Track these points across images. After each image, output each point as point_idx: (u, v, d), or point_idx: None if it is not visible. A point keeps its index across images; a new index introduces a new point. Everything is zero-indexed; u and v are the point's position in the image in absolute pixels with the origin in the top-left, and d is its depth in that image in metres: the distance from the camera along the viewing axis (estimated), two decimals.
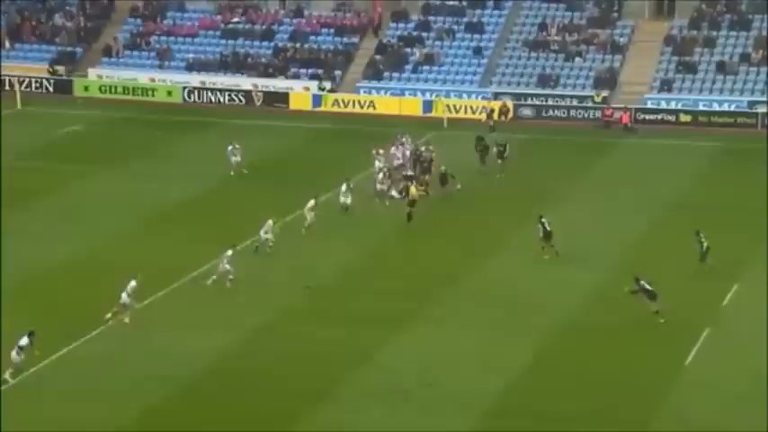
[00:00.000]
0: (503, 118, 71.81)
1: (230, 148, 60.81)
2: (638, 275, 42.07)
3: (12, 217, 51.86)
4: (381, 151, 58.00)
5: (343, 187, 54.13)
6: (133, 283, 42.32)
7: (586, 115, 72.71)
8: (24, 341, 37.90)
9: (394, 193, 54.73)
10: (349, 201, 53.81)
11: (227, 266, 45.09)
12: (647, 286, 41.84)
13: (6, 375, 37.55)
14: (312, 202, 51.59)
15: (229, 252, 45.47)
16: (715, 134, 68.71)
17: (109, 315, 41.82)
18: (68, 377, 38.71)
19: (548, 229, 47.36)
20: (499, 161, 59.57)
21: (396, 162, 58.50)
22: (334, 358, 39.10)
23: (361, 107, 74.73)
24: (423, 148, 59.71)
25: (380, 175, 55.35)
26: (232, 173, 60.02)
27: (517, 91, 74.58)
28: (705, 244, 46.61)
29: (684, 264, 48.53)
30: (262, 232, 48.77)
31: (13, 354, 37.75)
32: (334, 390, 37.40)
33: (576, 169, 61.42)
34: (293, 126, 71.09)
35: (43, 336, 40.71)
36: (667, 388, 38.12)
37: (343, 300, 44.22)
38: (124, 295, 42.01)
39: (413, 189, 52.74)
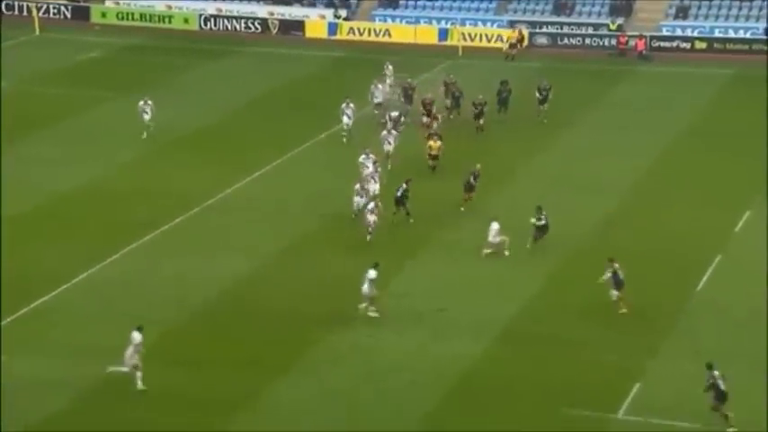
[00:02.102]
0: (518, 46, 71.33)
1: (141, 103, 54.43)
2: (613, 258, 38.51)
3: (30, 141, 51.94)
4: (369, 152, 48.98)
5: (344, 105, 53.86)
6: None
7: (601, 43, 72.22)
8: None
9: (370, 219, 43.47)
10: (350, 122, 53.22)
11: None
12: (619, 272, 37.97)
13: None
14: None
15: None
16: (730, 61, 68.21)
17: None
18: (88, 301, 39.04)
19: (544, 222, 41.93)
20: (541, 107, 56.74)
21: (375, 100, 56.67)
22: (350, 284, 39.26)
23: (377, 35, 74.29)
24: (451, 77, 58.17)
25: (357, 186, 45.68)
26: (145, 135, 53.79)
27: (532, 19, 74.09)
28: (543, 222, 42.11)
29: (696, 189, 48.49)
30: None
31: None
32: (349, 314, 37.59)
33: (591, 97, 61.12)
34: (309, 54, 70.82)
35: (64, 259, 41.14)
36: (679, 312, 38.25)
37: (359, 228, 44.27)
38: None
39: (432, 143, 49.58)
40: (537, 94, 57.00)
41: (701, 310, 38.62)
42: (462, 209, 45.67)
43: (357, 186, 45.00)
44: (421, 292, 39.43)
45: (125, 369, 33.64)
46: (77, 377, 34.25)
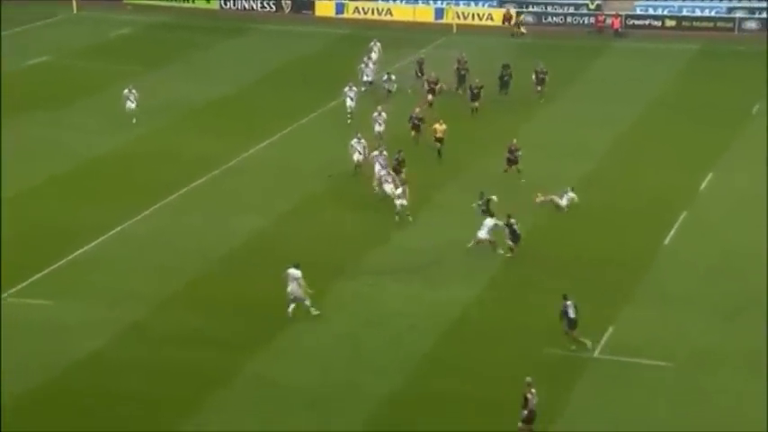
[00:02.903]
0: (506, 24, 71.05)
1: (126, 91, 51.70)
2: (511, 215, 38.38)
3: (69, 110, 51.93)
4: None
5: (385, 77, 54.15)
6: None
7: (581, 21, 71.89)
8: None
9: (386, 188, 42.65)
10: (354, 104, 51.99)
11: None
12: (516, 227, 38.03)
13: None
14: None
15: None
16: (697, 38, 67.95)
17: None
18: (122, 252, 39.18)
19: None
20: (539, 88, 55.22)
21: (366, 77, 55.45)
22: (356, 239, 39.36)
23: (379, 14, 74.02)
24: (463, 56, 56.61)
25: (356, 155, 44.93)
26: (134, 120, 51.17)
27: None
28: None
29: (665, 153, 48.51)
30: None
31: None
32: (355, 266, 37.72)
33: (572, 71, 60.94)
34: (318, 31, 70.56)
35: (100, 215, 41.24)
36: (648, 264, 38.36)
37: (364, 186, 44.27)
38: None
39: (438, 126, 47.13)
40: (534, 77, 55.64)
41: (667, 261, 38.73)
42: (523, 180, 43.90)
43: (356, 156, 43.86)
44: (418, 246, 39.52)
45: (306, 302, 34.11)
46: (112, 319, 34.48)
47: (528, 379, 28.64)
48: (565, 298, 32.75)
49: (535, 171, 44.26)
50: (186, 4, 76.34)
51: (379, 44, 59.94)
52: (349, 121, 50.96)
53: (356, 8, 74.35)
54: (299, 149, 49.11)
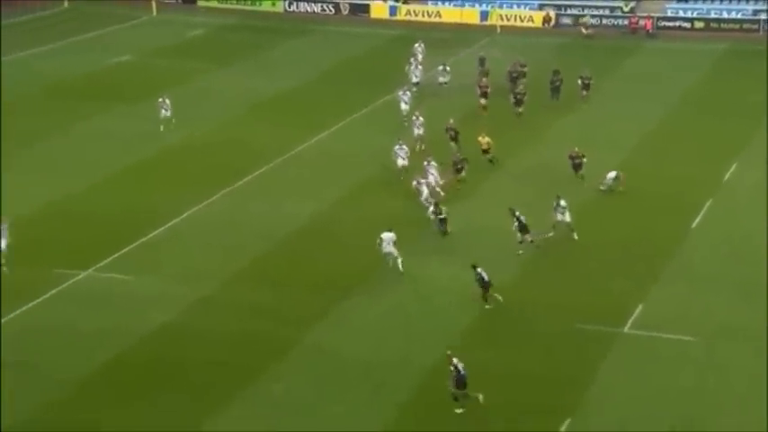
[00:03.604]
0: (546, 25, 70.29)
1: (160, 100, 49.64)
2: (514, 208, 37.34)
3: (147, 104, 52.18)
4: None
5: (441, 67, 53.26)
6: None
7: (616, 23, 70.90)
8: None
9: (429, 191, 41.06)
10: (446, 79, 53.05)
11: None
12: (522, 219, 36.92)
13: None
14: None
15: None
16: (724, 38, 66.75)
17: None
18: (192, 233, 39.33)
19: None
20: (584, 92, 53.10)
21: (414, 79, 54.00)
22: (403, 222, 39.15)
23: (429, 16, 73.58)
24: (521, 61, 55.13)
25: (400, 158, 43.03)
26: (162, 128, 49.08)
27: (558, 2, 72.82)
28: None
29: (693, 145, 47.75)
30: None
31: None
32: (402, 247, 37.44)
33: (607, 69, 60.12)
34: (373, 32, 70.28)
35: (172, 199, 41.43)
36: (676, 246, 37.80)
37: (409, 176, 43.99)
38: None
39: (481, 138, 44.68)
40: (579, 82, 53.22)
41: (694, 243, 38.14)
42: (585, 184, 42.20)
43: (419, 179, 40.67)
44: (461, 230, 39.16)
45: (399, 260, 35.15)
46: (183, 294, 34.61)
47: (448, 352, 28.61)
48: (474, 267, 33.33)
49: (563, 164, 43.52)
50: (254, 7, 76.46)
51: (423, 46, 59.13)
52: (406, 124, 48.97)
53: (408, 11, 74.01)
54: (352, 141, 48.93)
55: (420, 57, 57.44)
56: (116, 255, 37.17)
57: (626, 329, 32.43)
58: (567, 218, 37.98)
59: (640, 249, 37.51)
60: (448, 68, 54.75)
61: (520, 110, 51.25)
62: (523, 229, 37.00)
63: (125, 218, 40.08)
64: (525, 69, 55.01)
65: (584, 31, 68.72)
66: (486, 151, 44.99)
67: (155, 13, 74.36)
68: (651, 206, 41.14)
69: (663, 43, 66.99)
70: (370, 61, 62.85)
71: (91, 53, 63.86)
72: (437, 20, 72.94)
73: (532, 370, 30.16)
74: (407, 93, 51.08)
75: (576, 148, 43.21)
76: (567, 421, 27.99)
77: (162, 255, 37.52)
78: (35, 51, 63.72)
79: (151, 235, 38.81)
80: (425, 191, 40.42)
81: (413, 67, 55.31)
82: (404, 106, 49.93)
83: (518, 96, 51.42)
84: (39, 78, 58.34)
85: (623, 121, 51.20)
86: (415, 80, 54.63)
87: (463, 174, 42.59)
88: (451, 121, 46.66)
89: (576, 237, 37.88)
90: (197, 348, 31.54)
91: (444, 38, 65.67)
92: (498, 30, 69.99)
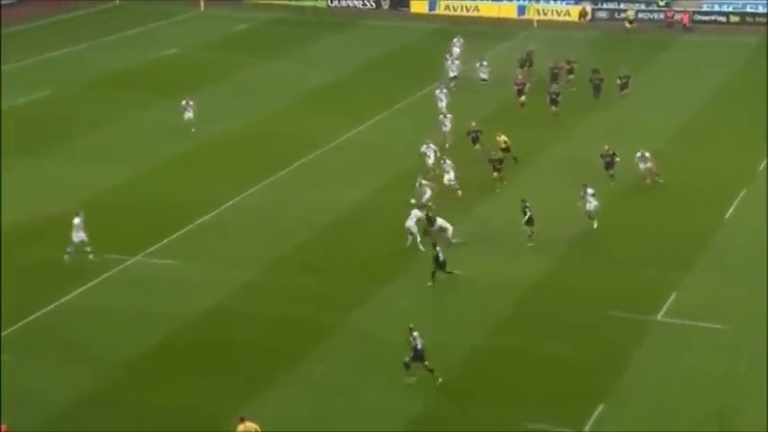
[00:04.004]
0: (582, 19, 69.81)
1: (183, 102, 47.50)
2: (525, 200, 37.02)
3: (195, 96, 52.43)
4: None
5: (478, 64, 52.93)
6: None
7: (652, 17, 70.26)
8: None
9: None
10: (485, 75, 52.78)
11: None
12: (530, 212, 36.46)
13: None
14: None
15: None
16: (758, 32, 65.90)
17: None
18: (237, 221, 39.58)
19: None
20: (623, 91, 51.81)
21: (451, 73, 53.16)
22: (441, 211, 39.06)
23: (467, 11, 73.34)
24: (572, 57, 53.97)
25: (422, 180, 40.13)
26: (193, 129, 46.79)
27: None
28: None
29: (727, 137, 47.27)
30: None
31: None
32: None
33: (643, 62, 59.62)
34: (413, 26, 70.19)
35: (218, 188, 41.70)
36: (710, 235, 37.49)
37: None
38: None
39: (499, 138, 43.51)
40: (618, 81, 51.82)
41: (728, 233, 37.81)
42: (613, 184, 41.13)
43: (422, 181, 39.70)
44: (498, 219, 39.06)
45: (414, 233, 35.92)
46: (228, 279, 34.86)
47: (410, 325, 29.03)
48: (435, 246, 34.22)
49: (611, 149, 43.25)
50: (298, 2, 76.57)
51: (461, 40, 58.76)
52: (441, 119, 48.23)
53: (447, 5, 73.81)
54: (392, 132, 48.91)
55: (458, 51, 57.13)
56: (164, 241, 37.51)
57: (659, 317, 32.24)
58: (593, 206, 37.40)
59: (674, 238, 37.24)
60: (485, 63, 54.46)
61: (555, 109, 49.54)
62: (530, 222, 36.57)
63: (172, 206, 40.40)
64: (573, 65, 53.72)
65: (627, 24, 68.16)
66: (505, 150, 43.31)
67: (202, 8, 74.76)
68: (685, 196, 40.82)
69: (698, 37, 66.33)
70: (409, 55, 62.74)
71: (140, 47, 64.35)
72: (475, 14, 72.69)
73: (566, 356, 30.08)
74: (444, 89, 50.41)
75: (607, 146, 42.28)
76: (600, 407, 27.90)
77: (208, 241, 37.78)
78: (88, 45, 64.35)
79: (198, 222, 39.09)
80: (428, 192, 39.30)
81: (449, 62, 54.98)
82: (441, 103, 49.08)
83: (553, 96, 49.90)
84: (91, 71, 58.92)
85: (658, 112, 50.77)
86: (452, 74, 54.16)
87: (501, 173, 41.58)
88: (473, 123, 45.44)
89: (595, 225, 37.50)
90: (241, 332, 31.77)
91: (482, 32, 65.44)
92: (535, 24, 69.62)
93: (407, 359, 28.82)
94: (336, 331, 31.72)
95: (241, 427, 25.67)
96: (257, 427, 25.72)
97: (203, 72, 58.63)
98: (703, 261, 35.67)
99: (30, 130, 49.08)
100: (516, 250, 36.51)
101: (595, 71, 52.68)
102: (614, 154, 42.02)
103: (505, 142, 43.82)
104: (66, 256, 35.38)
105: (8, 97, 53.45)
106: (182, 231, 38.37)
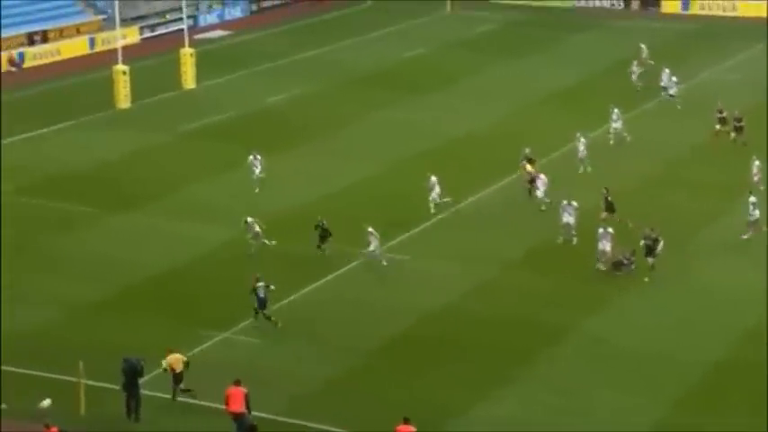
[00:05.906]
0: None
1: (251, 158, 41.97)
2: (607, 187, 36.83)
3: (440, 93, 52.75)
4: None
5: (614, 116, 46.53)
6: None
7: None
8: None
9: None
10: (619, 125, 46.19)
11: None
12: (609, 198, 36.82)
13: None
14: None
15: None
16: None
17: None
18: (477, 217, 39.45)
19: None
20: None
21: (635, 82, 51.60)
22: (679, 220, 37.75)
23: (723, 10, 70.23)
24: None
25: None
26: (257, 190, 41.71)
27: None
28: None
29: None
30: None
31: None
32: (685, 242, 35.96)
33: None
34: (663, 27, 68.07)
35: (457, 186, 41.64)
36: None
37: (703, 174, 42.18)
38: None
39: (521, 171, 41.19)
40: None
41: None
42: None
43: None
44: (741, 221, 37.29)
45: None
46: (463, 276, 34.90)
47: (257, 275, 30.55)
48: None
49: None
50: (543, 3, 76.04)
51: (645, 50, 56.15)
52: (611, 142, 46.03)
53: (701, 4, 70.99)
54: (637, 133, 47.57)
55: (644, 56, 54.84)
56: (404, 236, 38.06)
57: None
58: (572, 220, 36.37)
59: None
60: (674, 78, 50.97)
61: (736, 135, 43.96)
62: (609, 207, 36.91)
63: (411, 201, 40.93)
64: None
65: None
66: (531, 182, 40.34)
67: (449, 9, 75.66)
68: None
69: None
70: (657, 56, 60.78)
71: (388, 46, 65.84)
72: (732, 14, 69.49)
73: None
74: (615, 110, 46.00)
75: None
76: None
77: (446, 238, 38.07)
78: (340, 45, 66.53)
79: (435, 219, 39.52)
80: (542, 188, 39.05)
81: (634, 71, 53.18)
82: (614, 126, 45.68)
83: (736, 124, 44.03)
84: (341, 69, 60.84)
85: None
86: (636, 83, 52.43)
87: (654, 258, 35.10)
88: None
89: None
90: (475, 330, 31.82)
91: (743, 32, 62.30)
92: None
93: (254, 306, 30.92)
94: (570, 335, 31.26)
95: (170, 357, 27.33)
96: (184, 358, 27.45)
97: (449, 71, 59.24)
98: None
99: (285, 126, 51.13)
100: (760, 260, 34.76)
101: None
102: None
103: (530, 173, 40.69)
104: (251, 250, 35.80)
105: (264, 96, 55.72)
106: (420, 228, 38.74)
